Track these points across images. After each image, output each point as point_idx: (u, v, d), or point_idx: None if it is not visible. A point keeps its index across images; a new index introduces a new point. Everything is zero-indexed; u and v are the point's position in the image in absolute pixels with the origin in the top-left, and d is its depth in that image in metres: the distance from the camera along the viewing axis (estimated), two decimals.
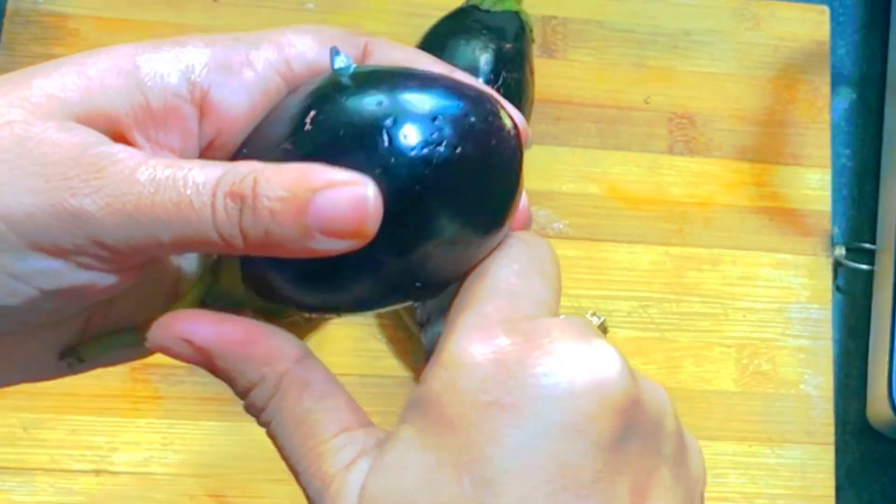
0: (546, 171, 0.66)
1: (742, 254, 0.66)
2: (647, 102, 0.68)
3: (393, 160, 0.26)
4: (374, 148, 0.26)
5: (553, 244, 0.32)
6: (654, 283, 0.65)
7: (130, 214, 0.26)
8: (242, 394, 0.29)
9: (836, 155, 0.70)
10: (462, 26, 0.61)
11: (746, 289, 0.66)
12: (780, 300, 0.66)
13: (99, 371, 0.64)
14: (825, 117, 0.69)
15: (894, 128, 0.68)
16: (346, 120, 0.27)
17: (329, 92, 0.28)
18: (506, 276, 0.29)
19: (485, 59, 0.60)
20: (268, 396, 0.28)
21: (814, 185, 0.68)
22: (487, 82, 0.60)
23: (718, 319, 0.65)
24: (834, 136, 0.70)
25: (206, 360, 0.28)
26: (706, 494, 0.30)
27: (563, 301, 0.63)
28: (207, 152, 0.30)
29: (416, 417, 0.27)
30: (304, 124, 0.27)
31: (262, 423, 0.29)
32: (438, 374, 0.27)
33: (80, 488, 0.58)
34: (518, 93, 0.61)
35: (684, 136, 0.68)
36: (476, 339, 0.27)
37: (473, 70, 0.60)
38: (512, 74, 0.61)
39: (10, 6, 0.64)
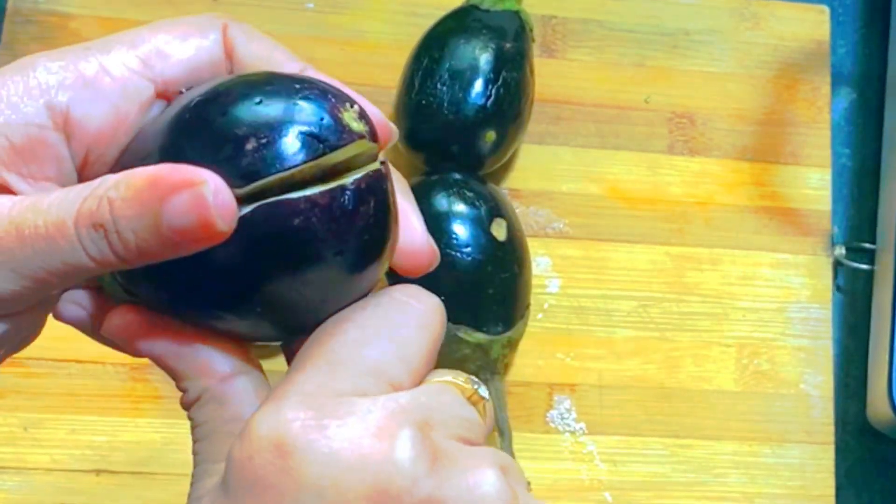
0: (546, 171, 0.66)
1: (742, 254, 0.66)
2: (647, 102, 0.68)
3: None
4: (233, 159, 0.26)
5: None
6: (654, 283, 0.65)
7: (11, 268, 0.26)
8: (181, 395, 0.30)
9: (836, 155, 0.70)
10: (462, 26, 0.61)
11: (746, 289, 0.66)
12: (780, 300, 0.66)
13: (99, 371, 0.64)
14: (825, 117, 0.69)
15: (894, 128, 0.68)
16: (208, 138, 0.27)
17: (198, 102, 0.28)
18: (342, 339, 0.28)
19: (485, 58, 0.60)
20: (190, 404, 0.29)
21: (814, 184, 0.68)
22: (487, 82, 0.60)
23: (718, 319, 0.65)
24: (834, 136, 0.70)
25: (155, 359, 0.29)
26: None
27: (564, 301, 0.64)
28: (85, 169, 0.29)
29: (225, 473, 0.27)
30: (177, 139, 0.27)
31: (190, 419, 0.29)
32: (238, 438, 0.26)
33: (80, 488, 0.58)
34: (518, 92, 0.61)
35: (684, 135, 0.68)
36: (268, 410, 0.26)
37: (473, 69, 0.60)
38: (512, 74, 0.61)
39: (10, 5, 0.64)
